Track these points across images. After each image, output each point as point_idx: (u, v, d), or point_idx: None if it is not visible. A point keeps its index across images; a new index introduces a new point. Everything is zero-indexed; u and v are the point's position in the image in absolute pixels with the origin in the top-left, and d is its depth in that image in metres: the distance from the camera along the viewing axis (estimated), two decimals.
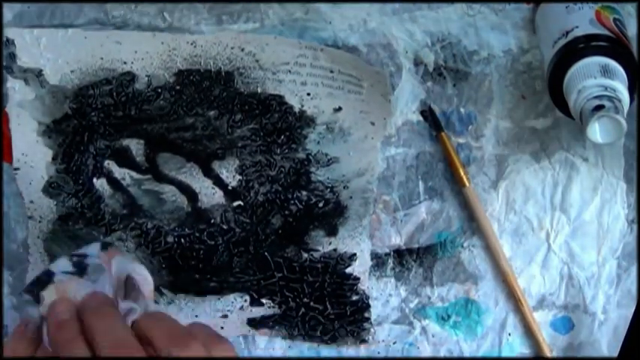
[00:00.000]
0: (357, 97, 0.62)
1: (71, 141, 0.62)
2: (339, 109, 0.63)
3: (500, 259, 0.65)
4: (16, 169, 0.62)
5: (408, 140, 0.64)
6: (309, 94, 0.62)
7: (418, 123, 0.64)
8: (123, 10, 0.61)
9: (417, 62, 0.63)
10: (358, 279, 0.65)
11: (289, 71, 0.62)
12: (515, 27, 0.62)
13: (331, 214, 0.64)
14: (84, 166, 0.63)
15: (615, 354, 0.66)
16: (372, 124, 0.63)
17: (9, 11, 0.60)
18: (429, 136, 0.64)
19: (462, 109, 0.63)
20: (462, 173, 0.63)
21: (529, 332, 0.66)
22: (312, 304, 0.65)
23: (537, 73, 0.62)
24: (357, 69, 0.62)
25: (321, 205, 0.64)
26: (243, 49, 0.61)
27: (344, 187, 0.64)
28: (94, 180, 0.63)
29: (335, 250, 0.65)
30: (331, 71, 0.62)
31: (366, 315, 0.66)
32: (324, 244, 0.64)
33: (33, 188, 0.62)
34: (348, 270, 0.65)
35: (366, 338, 0.66)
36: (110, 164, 0.63)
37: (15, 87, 0.61)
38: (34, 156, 0.62)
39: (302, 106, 0.62)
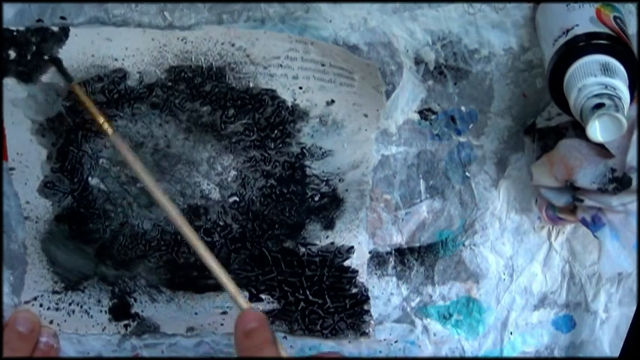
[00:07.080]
0: (349, 89, 0.61)
1: (65, 139, 0.62)
2: (332, 102, 0.61)
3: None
4: (12, 168, 0.62)
5: (409, 139, 0.63)
6: (301, 88, 0.61)
7: (419, 122, 0.62)
8: (123, 9, 0.60)
9: (418, 61, 0.61)
10: (356, 272, 0.64)
11: (280, 65, 0.60)
12: (515, 25, 0.60)
13: (328, 208, 0.63)
14: (79, 164, 0.63)
15: (617, 353, 0.65)
16: (365, 116, 0.61)
17: (10, 9, 0.59)
18: (430, 135, 0.63)
19: (462, 108, 0.62)
20: (102, 121, 0.59)
21: None
22: (311, 298, 0.65)
23: (538, 72, 0.61)
24: (348, 62, 0.60)
25: (317, 198, 0.63)
26: (233, 45, 0.60)
27: (339, 180, 0.63)
28: (90, 179, 0.63)
29: (332, 243, 0.64)
30: (322, 65, 0.60)
31: (366, 307, 0.65)
32: (321, 238, 0.64)
33: (29, 188, 0.63)
34: (346, 263, 0.64)
35: (367, 331, 0.65)
36: (105, 162, 0.63)
37: (7, 84, 0.61)
38: (28, 155, 0.62)
39: (294, 100, 0.61)
